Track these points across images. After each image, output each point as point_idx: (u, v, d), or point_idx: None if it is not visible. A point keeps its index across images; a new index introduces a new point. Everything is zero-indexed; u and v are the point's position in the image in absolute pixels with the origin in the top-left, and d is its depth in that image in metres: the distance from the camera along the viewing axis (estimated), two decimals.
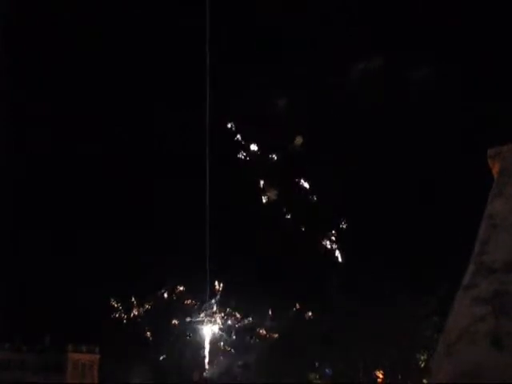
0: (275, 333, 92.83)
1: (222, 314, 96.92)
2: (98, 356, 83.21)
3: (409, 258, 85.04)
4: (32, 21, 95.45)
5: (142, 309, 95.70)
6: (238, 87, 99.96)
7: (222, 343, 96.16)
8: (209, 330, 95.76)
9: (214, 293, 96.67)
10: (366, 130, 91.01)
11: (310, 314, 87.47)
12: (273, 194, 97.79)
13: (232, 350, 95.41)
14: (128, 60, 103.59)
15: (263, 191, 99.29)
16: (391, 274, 78.34)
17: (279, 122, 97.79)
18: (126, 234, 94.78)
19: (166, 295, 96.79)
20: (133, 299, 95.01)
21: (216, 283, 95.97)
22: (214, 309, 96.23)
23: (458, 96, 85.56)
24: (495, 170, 5.98)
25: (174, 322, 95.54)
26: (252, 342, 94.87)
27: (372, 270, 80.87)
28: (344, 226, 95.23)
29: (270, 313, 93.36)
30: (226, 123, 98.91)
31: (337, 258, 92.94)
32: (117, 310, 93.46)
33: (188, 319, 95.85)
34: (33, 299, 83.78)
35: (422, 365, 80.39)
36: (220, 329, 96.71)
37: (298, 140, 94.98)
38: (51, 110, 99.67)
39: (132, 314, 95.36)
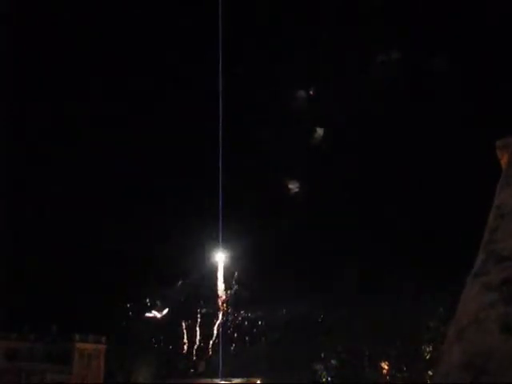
0: (283, 324, 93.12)
1: (231, 308, 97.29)
2: (104, 346, 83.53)
3: (416, 251, 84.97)
4: (32, 20, 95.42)
5: (157, 301, 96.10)
6: (258, 80, 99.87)
7: (232, 334, 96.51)
8: (221, 321, 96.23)
9: (228, 285, 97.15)
10: (384, 122, 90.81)
11: (317, 305, 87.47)
12: (294, 186, 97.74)
13: (240, 341, 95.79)
14: (137, 66, 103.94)
15: (283, 183, 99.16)
16: (398, 266, 78.46)
17: (300, 115, 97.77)
18: (139, 227, 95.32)
19: (181, 286, 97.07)
20: (145, 287, 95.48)
21: (230, 276, 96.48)
22: (229, 301, 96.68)
23: (468, 88, 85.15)
24: (503, 161, 5.98)
25: (187, 312, 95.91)
26: (261, 333, 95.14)
27: (379, 264, 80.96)
28: (357, 221, 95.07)
29: (280, 305, 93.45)
30: (247, 115, 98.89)
31: (350, 251, 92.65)
32: (127, 300, 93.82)
33: (203, 310, 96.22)
34: (40, 289, 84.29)
35: (427, 356, 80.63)
36: (232, 320, 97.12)
37: (319, 131, 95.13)
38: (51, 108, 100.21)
39: (146, 302, 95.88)
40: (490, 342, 1.84)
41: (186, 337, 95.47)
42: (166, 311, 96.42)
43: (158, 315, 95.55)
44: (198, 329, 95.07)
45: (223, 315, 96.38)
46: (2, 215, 75.31)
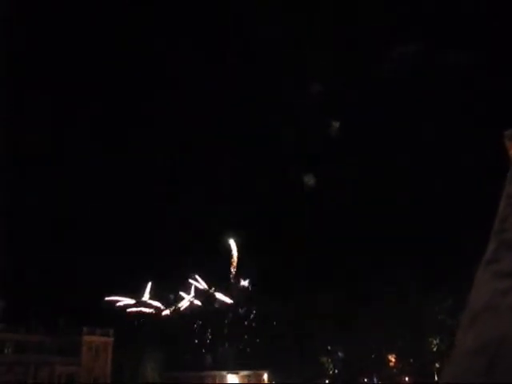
0: (289, 317, 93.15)
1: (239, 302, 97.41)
2: (111, 339, 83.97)
3: (423, 243, 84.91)
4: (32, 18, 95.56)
5: (171, 295, 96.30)
6: (273, 73, 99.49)
7: (241, 327, 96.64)
8: (230, 316, 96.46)
9: (238, 280, 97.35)
10: (398, 115, 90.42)
11: (324, 297, 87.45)
12: (311, 180, 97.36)
13: (248, 334, 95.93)
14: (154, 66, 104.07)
15: (299, 177, 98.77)
16: (406, 259, 78.44)
17: (315, 108, 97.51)
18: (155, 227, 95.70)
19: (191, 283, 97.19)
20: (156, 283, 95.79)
21: (243, 272, 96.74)
22: (240, 296, 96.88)
23: (480, 79, 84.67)
24: None
25: (196, 308, 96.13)
26: (269, 326, 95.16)
27: (387, 258, 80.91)
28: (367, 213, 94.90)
29: (290, 299, 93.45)
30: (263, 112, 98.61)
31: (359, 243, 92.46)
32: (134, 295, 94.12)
33: (216, 306, 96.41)
34: (49, 283, 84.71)
35: (435, 349, 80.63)
36: (241, 314, 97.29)
37: (335, 125, 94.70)
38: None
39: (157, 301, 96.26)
40: (503, 329, 1.83)
41: (195, 331, 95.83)
42: (183, 304, 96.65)
43: (167, 312, 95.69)
44: (207, 323, 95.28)
45: (233, 310, 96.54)
46: (7, 212, 75.88)
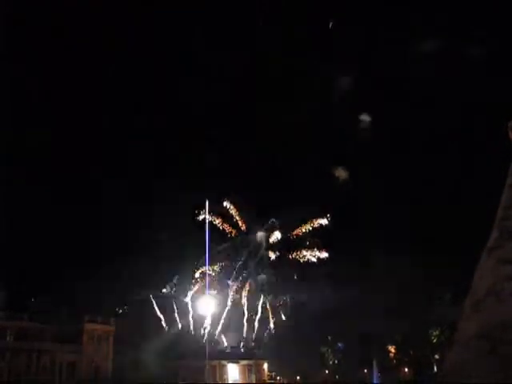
0: (293, 308, 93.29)
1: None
2: (113, 327, 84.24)
3: (425, 235, 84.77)
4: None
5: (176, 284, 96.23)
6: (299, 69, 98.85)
7: (242, 316, 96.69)
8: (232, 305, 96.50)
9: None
10: (425, 108, 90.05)
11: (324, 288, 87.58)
12: (343, 174, 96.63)
13: (245, 326, 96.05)
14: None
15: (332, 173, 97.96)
16: (407, 250, 78.39)
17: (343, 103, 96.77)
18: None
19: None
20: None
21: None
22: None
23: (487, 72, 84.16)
24: None
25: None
26: (266, 317, 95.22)
27: (388, 247, 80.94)
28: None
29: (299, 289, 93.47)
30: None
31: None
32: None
33: (231, 298, 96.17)
34: (52, 271, 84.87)
35: (434, 340, 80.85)
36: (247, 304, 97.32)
37: (364, 118, 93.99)
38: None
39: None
40: (506, 313, 1.86)
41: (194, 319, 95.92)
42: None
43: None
44: (209, 313, 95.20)
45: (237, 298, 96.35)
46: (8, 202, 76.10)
